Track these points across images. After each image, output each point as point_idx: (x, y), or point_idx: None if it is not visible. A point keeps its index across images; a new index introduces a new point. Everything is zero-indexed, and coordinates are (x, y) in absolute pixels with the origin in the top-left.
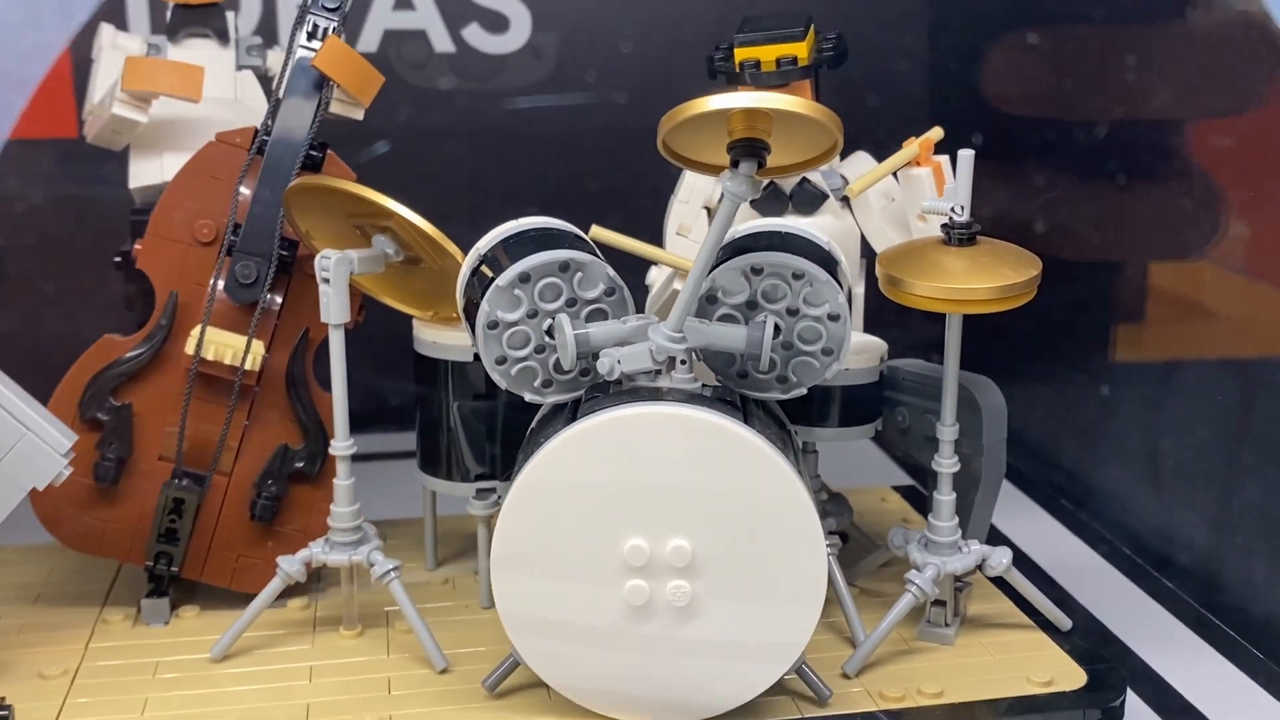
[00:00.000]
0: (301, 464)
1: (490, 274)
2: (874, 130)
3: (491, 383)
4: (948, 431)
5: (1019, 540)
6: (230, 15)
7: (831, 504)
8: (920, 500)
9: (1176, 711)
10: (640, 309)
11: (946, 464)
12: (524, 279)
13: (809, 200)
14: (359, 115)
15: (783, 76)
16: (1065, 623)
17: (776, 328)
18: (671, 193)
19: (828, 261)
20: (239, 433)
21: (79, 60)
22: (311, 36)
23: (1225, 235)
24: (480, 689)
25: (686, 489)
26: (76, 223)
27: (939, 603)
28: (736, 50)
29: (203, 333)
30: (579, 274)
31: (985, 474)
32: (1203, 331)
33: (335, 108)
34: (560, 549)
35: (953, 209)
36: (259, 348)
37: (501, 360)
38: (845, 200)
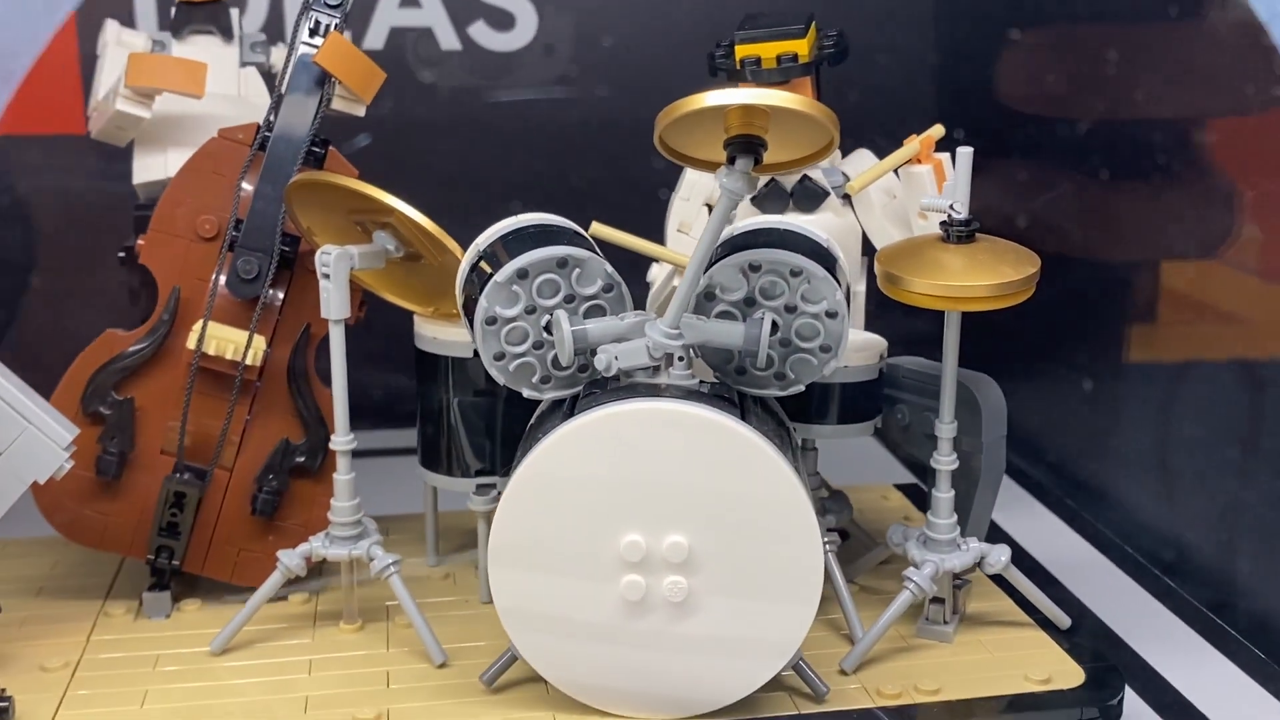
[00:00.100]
0: (302, 459)
1: (489, 270)
2: (879, 127)
3: (491, 379)
4: (946, 429)
5: (1020, 537)
6: (234, 12)
7: (832, 501)
8: (922, 498)
9: (1176, 709)
10: (640, 306)
11: (945, 461)
12: (522, 275)
13: (810, 197)
14: (361, 112)
15: (783, 73)
16: (1064, 621)
17: (774, 325)
18: (670, 189)
19: (826, 258)
20: (240, 427)
21: (86, 56)
22: (314, 33)
23: (1229, 234)
24: (478, 683)
25: (683, 485)
26: (78, 217)
27: (938, 600)
28: (737, 47)
29: (204, 328)
30: (577, 270)
31: (985, 471)
32: (1205, 330)
33: (337, 104)
34: (557, 544)
35: (951, 206)
36: (260, 343)
37: (500, 356)
38: (846, 197)
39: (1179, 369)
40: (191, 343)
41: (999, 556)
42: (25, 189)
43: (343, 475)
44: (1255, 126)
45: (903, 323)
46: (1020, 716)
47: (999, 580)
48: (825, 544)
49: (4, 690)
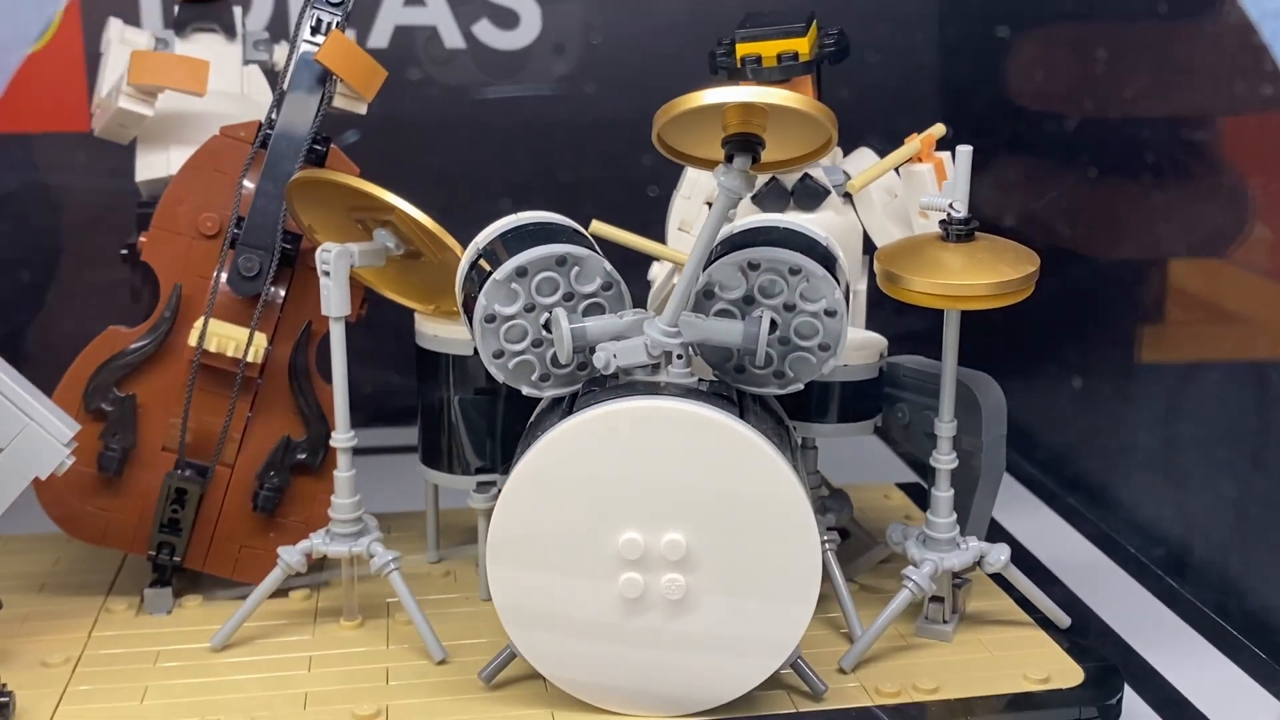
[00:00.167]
0: (303, 456)
1: (488, 268)
2: (880, 126)
3: (492, 376)
4: (945, 428)
5: (1021, 536)
6: (237, 10)
7: (832, 500)
8: (924, 497)
9: (1176, 709)
10: (640, 304)
11: (945, 460)
12: (521, 273)
13: (811, 195)
14: (362, 110)
15: (784, 72)
16: (1064, 620)
17: (773, 323)
18: (661, 186)
19: (825, 257)
20: (242, 424)
21: (90, 55)
22: (315, 31)
23: (1233, 232)
24: (477, 680)
25: (681, 483)
26: (81, 214)
27: (937, 599)
28: (738, 45)
29: (205, 325)
30: (576, 268)
31: (984, 470)
32: (1207, 329)
33: (339, 102)
34: (555, 541)
35: (951, 205)
36: (261, 340)
37: (499, 354)
38: (847, 196)
39: (1180, 368)
40: (193, 340)
41: (998, 555)
42: (29, 186)
43: (343, 472)
44: (1255, 125)
45: (904, 321)
46: (1019, 715)
47: (999, 579)
48: (824, 542)
49: (4, 685)
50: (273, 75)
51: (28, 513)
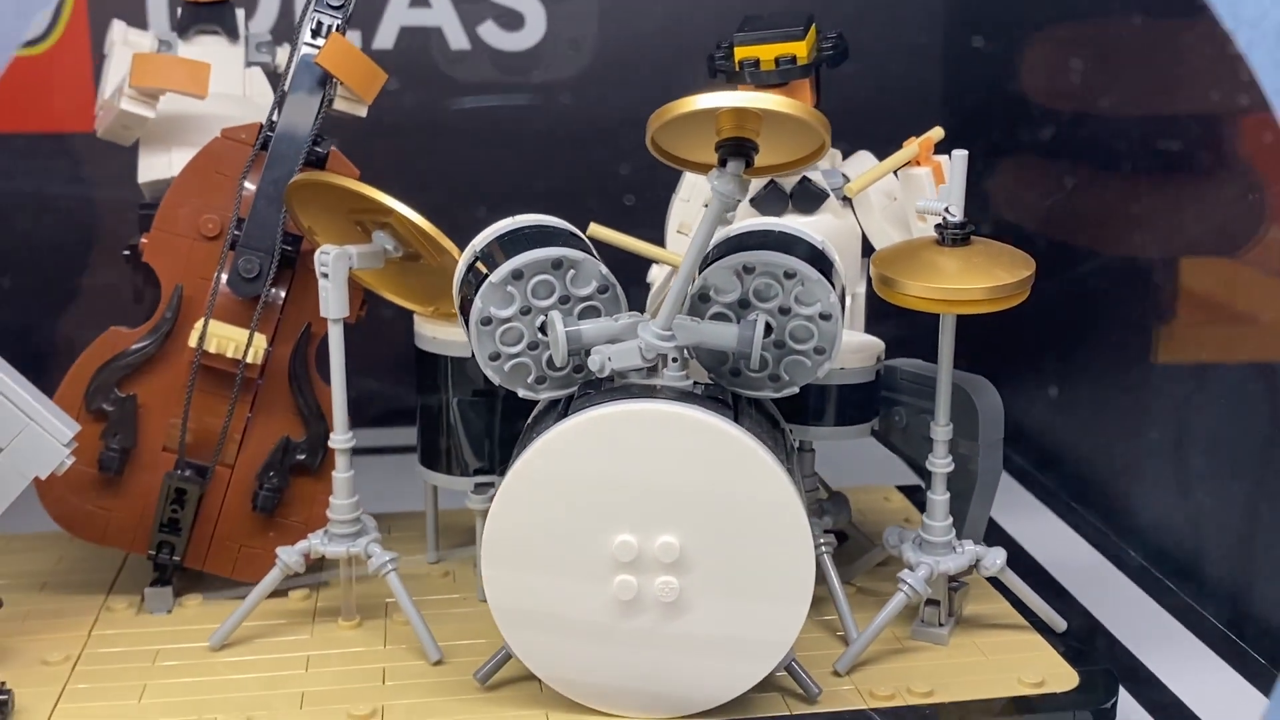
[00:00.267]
0: (303, 456)
1: (485, 270)
2: (880, 129)
3: None
4: (941, 431)
5: (1022, 539)
6: (240, 12)
7: (830, 503)
8: (924, 499)
9: (1173, 714)
10: (636, 307)
11: (940, 464)
12: (517, 276)
13: (809, 198)
14: (362, 112)
15: (782, 75)
16: (1060, 624)
17: (768, 326)
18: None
19: (821, 260)
20: (242, 425)
21: (98, 56)
22: (315, 34)
23: (1235, 231)
24: (473, 681)
25: (675, 486)
26: (84, 215)
27: (932, 602)
28: (736, 49)
29: (205, 326)
30: (572, 271)
31: (981, 474)
32: (1208, 331)
33: (339, 104)
34: (550, 543)
35: (946, 209)
36: (261, 341)
37: (495, 356)
38: (847, 199)
39: (1179, 370)
40: (193, 341)
41: (994, 559)
42: (32, 186)
43: (341, 473)
44: (1254, 125)
45: (906, 323)
46: (1012, 719)
47: (996, 583)
48: (821, 545)
49: (4, 684)
50: (275, 77)
51: (31, 511)
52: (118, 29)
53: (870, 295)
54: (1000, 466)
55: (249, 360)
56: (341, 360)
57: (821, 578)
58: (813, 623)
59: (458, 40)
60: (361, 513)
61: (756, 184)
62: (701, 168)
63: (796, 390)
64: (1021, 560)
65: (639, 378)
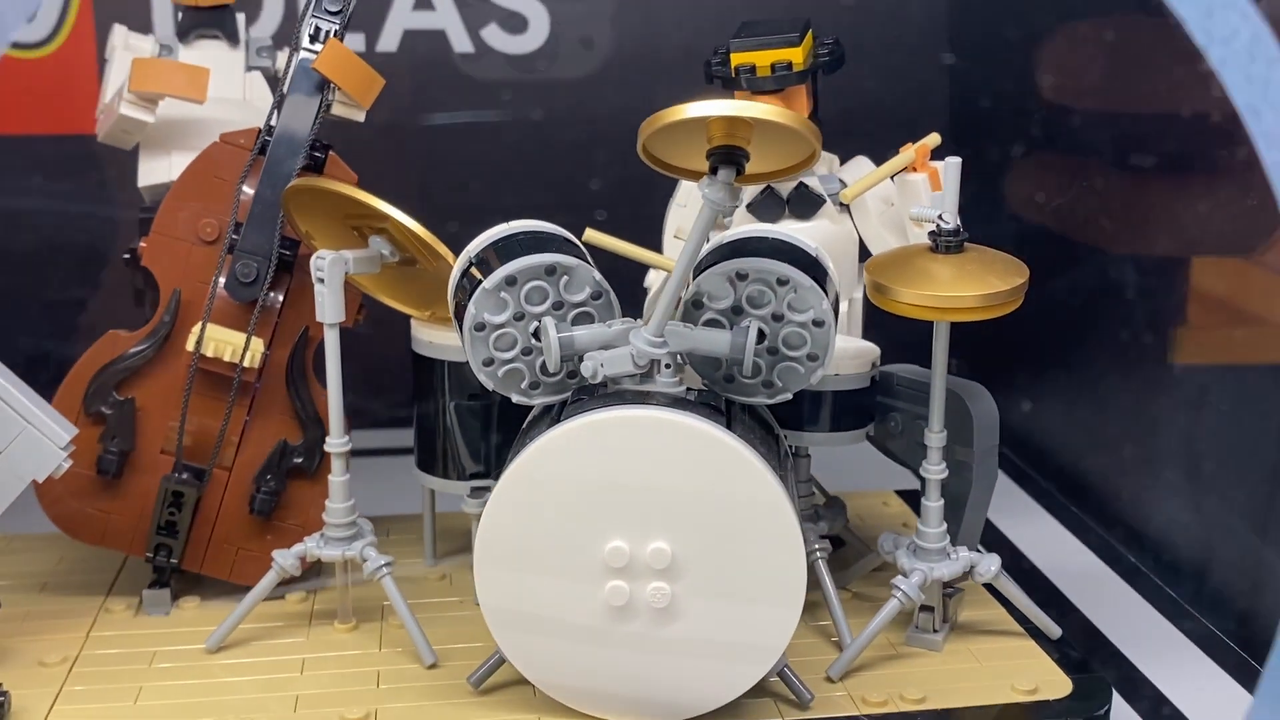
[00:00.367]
0: (300, 460)
1: (479, 276)
2: (877, 135)
3: None
4: (935, 438)
5: (1021, 543)
6: (240, 17)
7: (826, 508)
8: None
9: None
10: (631, 313)
11: (934, 470)
12: (510, 282)
13: (806, 204)
14: (360, 117)
15: (778, 81)
16: (1055, 631)
17: (760, 333)
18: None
19: (814, 267)
20: (239, 428)
21: (102, 60)
22: (314, 39)
23: (1236, 231)
24: (466, 685)
25: (667, 492)
26: (85, 219)
27: (927, 608)
28: (732, 55)
29: (203, 329)
30: (565, 277)
31: (976, 481)
32: (1207, 334)
33: (337, 110)
34: (542, 548)
35: (940, 216)
36: (259, 345)
37: (489, 362)
38: (844, 205)
39: (1178, 372)
40: (191, 345)
41: (989, 566)
42: (34, 189)
43: (337, 477)
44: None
45: (903, 329)
46: None
47: (992, 589)
48: (815, 551)
49: (0, 685)
50: (275, 82)
51: (31, 512)
52: (119, 34)
53: (868, 301)
54: (995, 472)
55: (246, 364)
56: (338, 364)
57: (816, 583)
58: (807, 628)
59: (461, 43)
60: (357, 516)
61: (752, 189)
62: (693, 175)
63: (790, 396)
64: (1019, 564)
65: (633, 384)
